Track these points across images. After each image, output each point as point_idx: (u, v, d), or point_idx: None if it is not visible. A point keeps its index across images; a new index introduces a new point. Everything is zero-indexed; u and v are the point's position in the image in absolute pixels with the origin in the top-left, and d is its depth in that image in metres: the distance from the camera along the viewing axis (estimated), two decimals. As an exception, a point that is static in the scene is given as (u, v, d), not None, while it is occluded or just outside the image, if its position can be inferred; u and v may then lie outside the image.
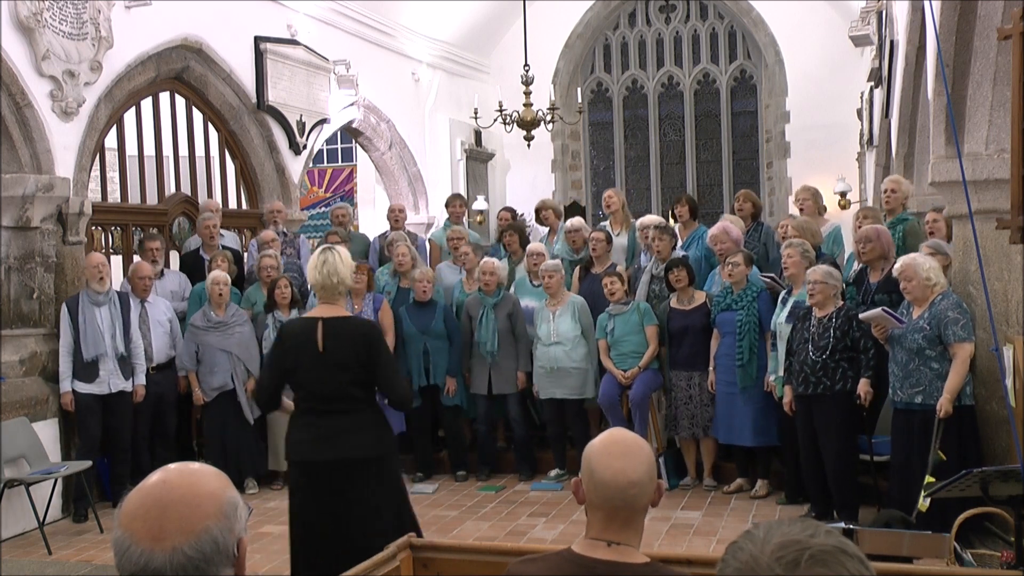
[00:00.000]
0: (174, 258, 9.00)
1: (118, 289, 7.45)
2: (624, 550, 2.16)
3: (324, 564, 4.02)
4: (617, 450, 2.18)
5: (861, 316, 5.86)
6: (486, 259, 7.92)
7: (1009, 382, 4.99)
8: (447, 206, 9.70)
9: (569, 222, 8.54)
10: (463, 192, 13.47)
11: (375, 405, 4.32)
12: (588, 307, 7.49)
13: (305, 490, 4.20)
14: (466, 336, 7.72)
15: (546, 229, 9.31)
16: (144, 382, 7.23)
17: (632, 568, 2.14)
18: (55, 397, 7.12)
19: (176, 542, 1.42)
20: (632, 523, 2.18)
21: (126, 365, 7.11)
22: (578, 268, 8.00)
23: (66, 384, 6.95)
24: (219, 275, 7.55)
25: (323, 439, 4.14)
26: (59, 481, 6.85)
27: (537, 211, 9.23)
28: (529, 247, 8.18)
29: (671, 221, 9.05)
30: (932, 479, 4.76)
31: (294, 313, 7.63)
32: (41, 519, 6.43)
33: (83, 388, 6.96)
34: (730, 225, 7.34)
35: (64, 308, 7.02)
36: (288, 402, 4.42)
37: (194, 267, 8.34)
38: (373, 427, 4.22)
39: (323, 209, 14.09)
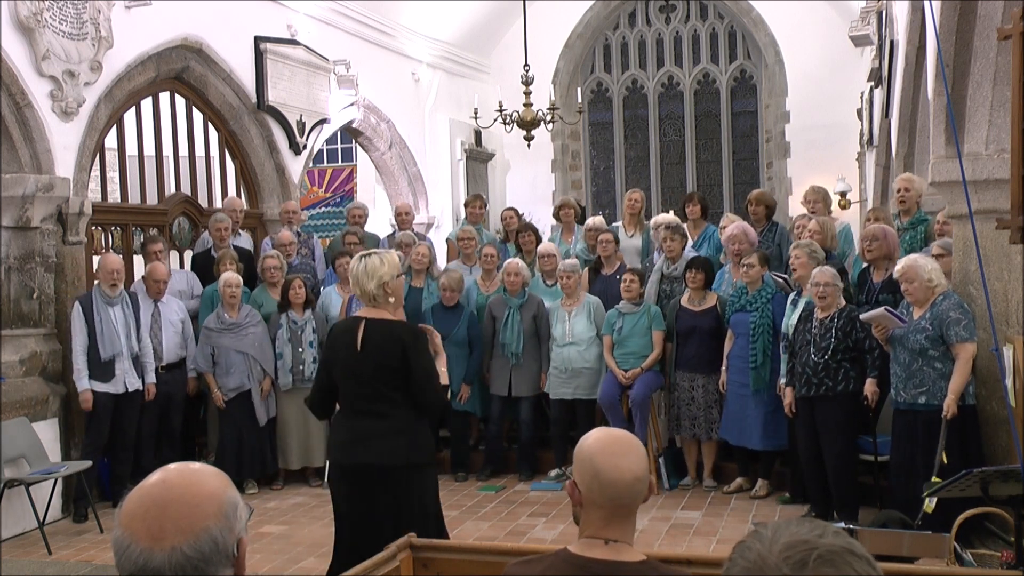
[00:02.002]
0: (174, 258, 8.99)
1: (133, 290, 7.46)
2: (621, 548, 2.16)
3: (356, 562, 4.03)
4: (619, 448, 2.19)
5: (862, 317, 5.85)
6: (511, 259, 7.88)
7: (1009, 382, 4.99)
8: (466, 206, 9.68)
9: (589, 221, 8.52)
10: (462, 192, 13.48)
11: (413, 411, 4.21)
12: (603, 307, 7.47)
13: (339, 491, 4.21)
14: (488, 336, 7.69)
15: (550, 226, 9.31)
16: (155, 380, 7.23)
17: (629, 567, 2.14)
18: (55, 397, 7.12)
19: (175, 542, 1.42)
20: (629, 519, 2.20)
21: (138, 364, 7.12)
22: (587, 269, 7.97)
23: (84, 383, 6.90)
24: (231, 277, 7.55)
25: (353, 442, 4.10)
26: (59, 481, 6.84)
27: (558, 208, 9.19)
28: (540, 248, 8.16)
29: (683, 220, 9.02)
30: (939, 480, 4.76)
31: (307, 313, 7.65)
32: (41, 519, 6.43)
33: (99, 387, 6.93)
34: (748, 226, 7.29)
35: (77, 307, 6.97)
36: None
37: (205, 267, 8.34)
38: (405, 434, 4.11)
39: (323, 209, 14.09)
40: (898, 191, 7.06)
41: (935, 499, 4.45)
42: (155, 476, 1.51)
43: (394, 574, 3.13)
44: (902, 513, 4.76)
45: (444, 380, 4.29)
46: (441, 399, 4.25)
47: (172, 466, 1.53)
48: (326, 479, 5.93)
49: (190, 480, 1.49)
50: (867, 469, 6.23)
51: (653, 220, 8.20)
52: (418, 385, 4.10)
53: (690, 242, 7.85)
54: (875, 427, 6.22)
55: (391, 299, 4.14)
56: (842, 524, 4.41)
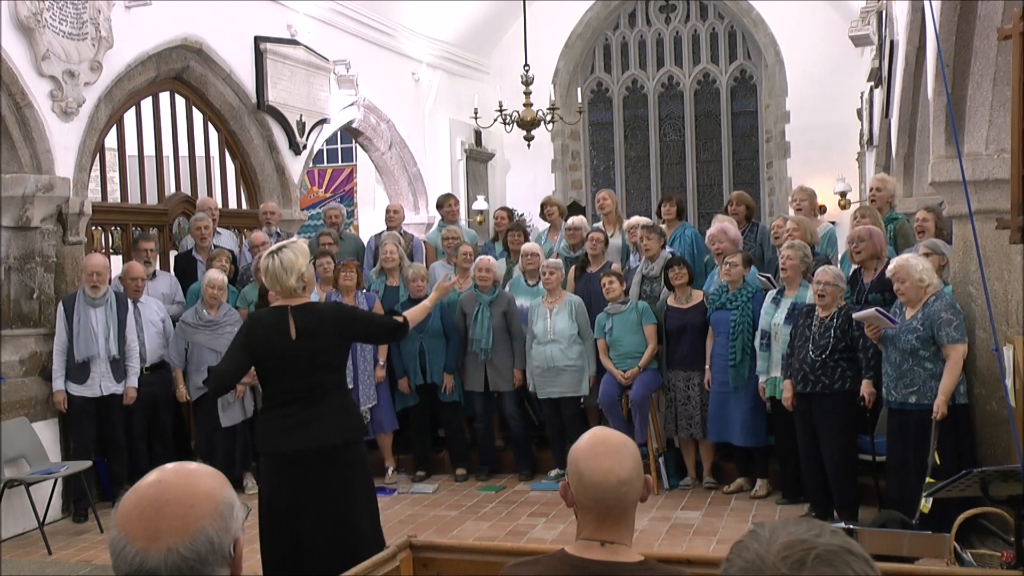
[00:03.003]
0: (173, 258, 8.99)
1: (116, 290, 7.43)
2: (618, 549, 2.15)
3: (297, 555, 4.04)
4: (603, 450, 2.17)
5: (854, 316, 5.88)
6: (482, 256, 7.92)
7: (1009, 382, 4.99)
8: (440, 207, 9.64)
9: (570, 220, 8.55)
10: (463, 192, 13.48)
11: (344, 391, 4.39)
12: (585, 306, 7.49)
13: (275, 482, 4.21)
14: (460, 333, 7.72)
15: (546, 226, 9.32)
16: (135, 384, 7.17)
17: (627, 567, 2.13)
18: (55, 397, 7.13)
19: (171, 542, 1.42)
20: (624, 521, 2.18)
21: (119, 367, 7.07)
22: (573, 267, 7.99)
23: (59, 383, 6.93)
24: (215, 278, 7.48)
25: (291, 429, 4.16)
26: (59, 481, 6.84)
27: (542, 207, 9.22)
28: (524, 247, 8.17)
29: (658, 220, 9.05)
30: (932, 480, 4.76)
31: None
32: (41, 519, 6.43)
33: (76, 390, 6.93)
34: (728, 225, 7.34)
35: (60, 306, 7.00)
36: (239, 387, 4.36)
37: (187, 268, 8.33)
38: (341, 414, 4.25)
39: (322, 209, 14.08)
40: (871, 190, 7.19)
41: (931, 499, 4.46)
42: (151, 476, 1.50)
43: (394, 574, 3.13)
44: (902, 514, 4.76)
45: (412, 319, 4.57)
46: (396, 323, 4.49)
47: (169, 466, 1.52)
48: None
49: (186, 480, 1.49)
50: (866, 469, 6.23)
51: (627, 222, 8.23)
52: (374, 334, 4.69)
53: (666, 241, 7.87)
54: (874, 427, 6.22)
55: (305, 288, 4.28)
56: (842, 524, 4.41)
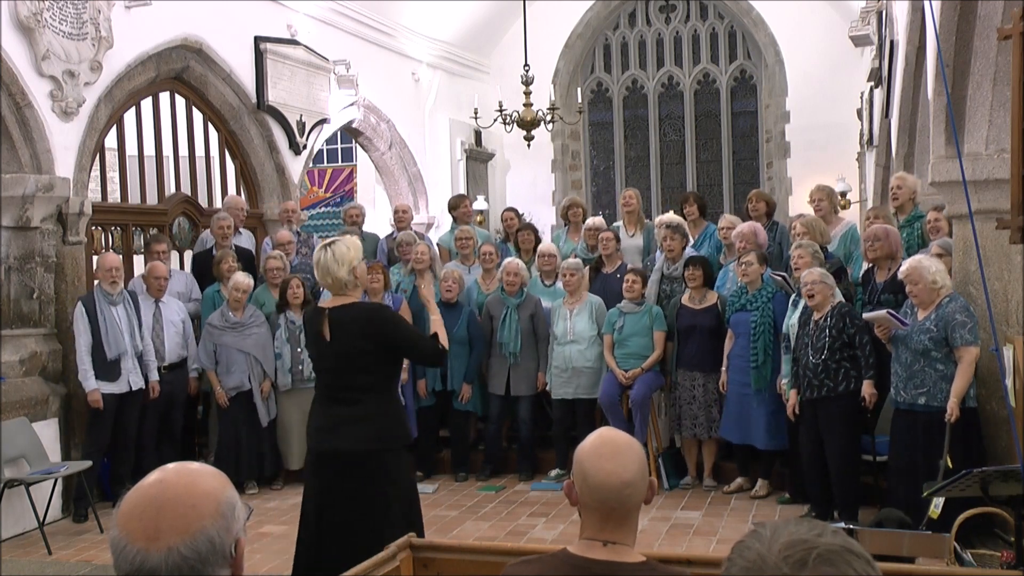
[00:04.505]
0: (174, 258, 8.99)
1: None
2: (620, 549, 2.15)
3: (325, 554, 4.04)
4: (608, 451, 2.17)
5: (865, 316, 5.87)
6: (509, 259, 7.87)
7: (1009, 382, 4.99)
8: (455, 208, 9.54)
9: (589, 220, 8.53)
10: (463, 192, 13.47)
11: (387, 395, 4.25)
12: (605, 308, 7.46)
13: (310, 479, 4.25)
14: (486, 336, 7.69)
15: (550, 225, 9.30)
16: (158, 378, 7.23)
17: (628, 568, 2.13)
18: (55, 397, 7.12)
19: (172, 542, 1.42)
20: (627, 522, 2.18)
21: (141, 363, 7.11)
22: (588, 268, 7.97)
23: (91, 382, 6.86)
24: (241, 281, 7.51)
25: (326, 429, 4.18)
26: (59, 481, 6.84)
27: (568, 207, 9.15)
28: (540, 247, 8.16)
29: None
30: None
31: None
32: (41, 519, 6.43)
33: (105, 388, 6.90)
34: (760, 227, 7.28)
35: (80, 307, 6.94)
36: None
37: (206, 265, 8.32)
38: (376, 419, 4.15)
39: (323, 209, 14.09)
40: (891, 189, 7.14)
41: (941, 505, 4.44)
42: (153, 476, 1.50)
43: (394, 574, 3.13)
44: (902, 513, 4.76)
45: (443, 339, 4.37)
46: (437, 349, 4.32)
47: (170, 466, 1.52)
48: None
49: (187, 480, 1.48)
50: (867, 469, 6.22)
51: (657, 219, 8.20)
52: (408, 349, 4.32)
53: (690, 242, 7.85)
54: (875, 427, 6.22)
55: (358, 283, 4.24)
56: (842, 524, 4.41)
